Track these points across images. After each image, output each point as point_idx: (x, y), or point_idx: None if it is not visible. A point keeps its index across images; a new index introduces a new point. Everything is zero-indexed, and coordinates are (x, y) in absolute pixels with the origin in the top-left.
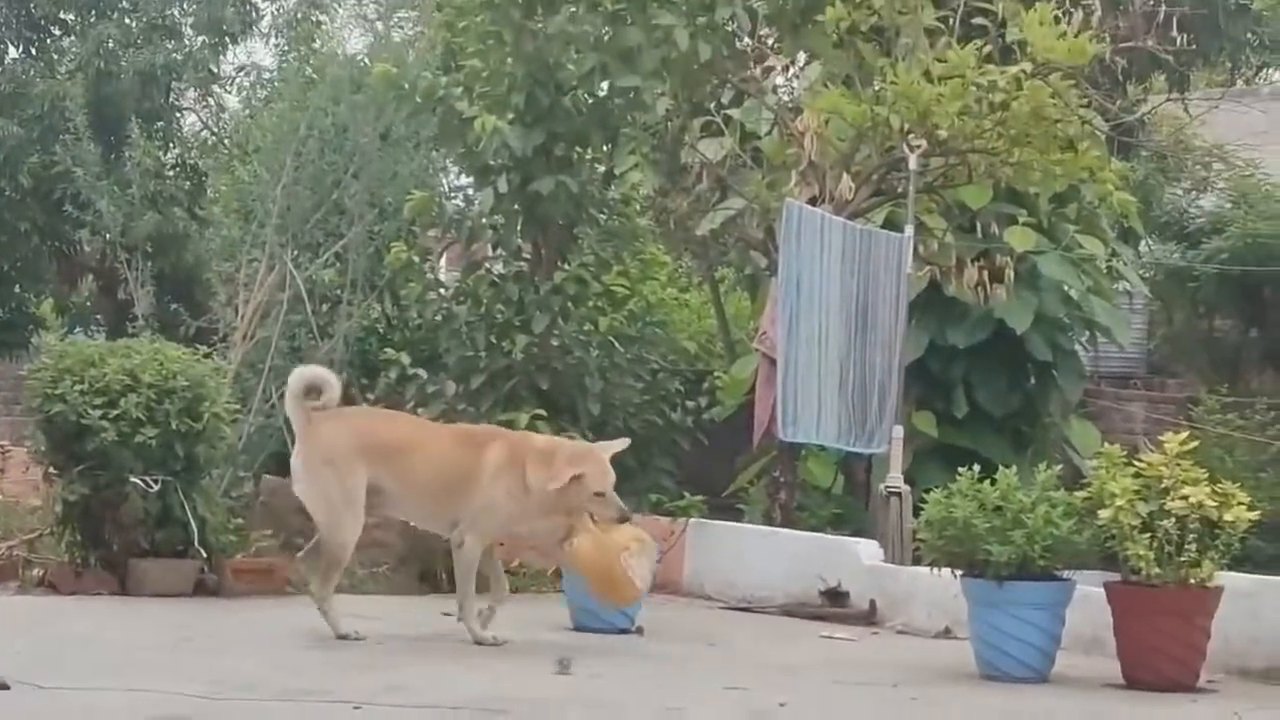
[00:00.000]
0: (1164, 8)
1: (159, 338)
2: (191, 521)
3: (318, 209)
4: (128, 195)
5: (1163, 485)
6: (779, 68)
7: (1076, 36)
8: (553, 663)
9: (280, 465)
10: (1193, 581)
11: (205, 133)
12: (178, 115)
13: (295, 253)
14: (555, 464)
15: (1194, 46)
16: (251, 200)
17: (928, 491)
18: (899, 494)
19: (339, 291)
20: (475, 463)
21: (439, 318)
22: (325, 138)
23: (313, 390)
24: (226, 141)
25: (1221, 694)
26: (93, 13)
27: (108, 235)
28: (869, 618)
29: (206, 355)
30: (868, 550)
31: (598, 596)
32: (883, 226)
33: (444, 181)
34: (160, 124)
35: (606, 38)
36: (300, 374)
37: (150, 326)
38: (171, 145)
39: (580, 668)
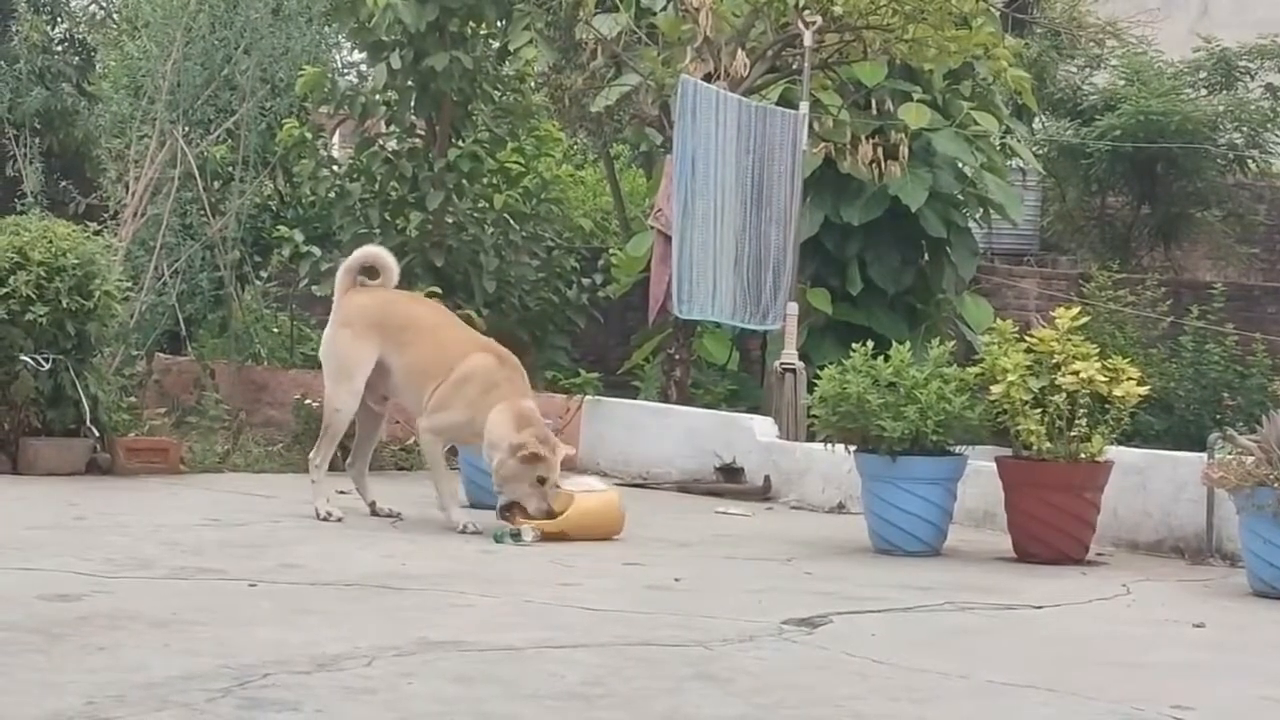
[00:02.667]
0: None
1: (48, 215)
2: (83, 400)
3: (208, 85)
4: (14, 71)
5: (1054, 361)
6: None
7: None
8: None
9: (172, 343)
10: (1083, 456)
11: (94, 7)
12: None
13: (186, 129)
14: (523, 434)
15: None
16: (141, 76)
17: (822, 368)
18: (793, 370)
19: (231, 168)
20: (454, 361)
21: (332, 195)
22: (215, 12)
23: (370, 269)
24: (116, 16)
25: (1110, 566)
26: None
27: None
28: (763, 493)
29: (97, 233)
30: (762, 426)
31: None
32: (778, 103)
33: (336, 57)
34: None
35: None
36: (364, 250)
37: (39, 204)
38: (60, 20)
39: (475, 544)
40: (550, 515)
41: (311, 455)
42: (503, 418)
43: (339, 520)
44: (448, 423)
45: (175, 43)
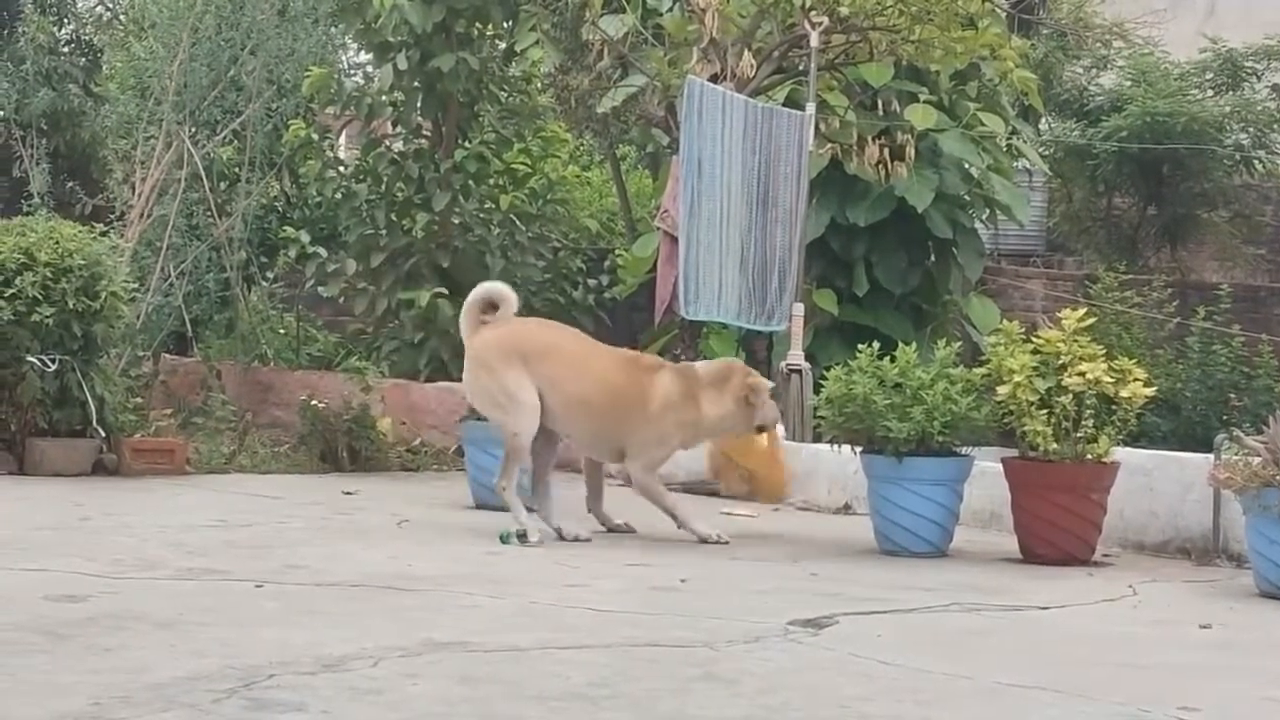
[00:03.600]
0: None
1: (55, 216)
2: (90, 401)
3: (215, 86)
4: (21, 72)
5: (1060, 362)
6: None
7: None
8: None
9: (179, 344)
10: (1089, 457)
11: (100, 8)
12: None
13: (193, 130)
14: (732, 388)
15: None
16: (148, 77)
17: (828, 369)
18: (799, 371)
19: (237, 169)
20: (643, 389)
21: (338, 196)
22: (222, 13)
23: (489, 305)
24: (122, 17)
25: (1116, 567)
26: None
27: (1, 112)
28: None
29: (103, 234)
30: None
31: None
32: (784, 104)
33: (343, 58)
34: None
35: None
36: (482, 288)
37: (46, 205)
38: (66, 21)
39: (480, 545)
40: (777, 419)
41: (498, 481)
42: (710, 400)
43: (537, 542)
44: (664, 455)
45: (182, 44)
